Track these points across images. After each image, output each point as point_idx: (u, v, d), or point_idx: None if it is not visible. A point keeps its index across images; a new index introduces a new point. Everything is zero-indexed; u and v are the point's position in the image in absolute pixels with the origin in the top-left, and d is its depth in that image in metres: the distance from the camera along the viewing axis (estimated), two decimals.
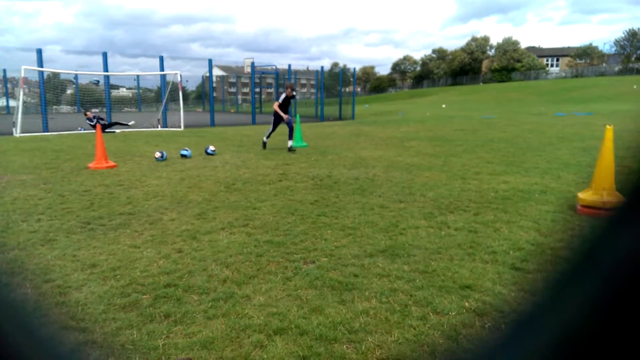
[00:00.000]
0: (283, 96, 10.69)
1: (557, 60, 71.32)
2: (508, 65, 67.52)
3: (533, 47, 74.94)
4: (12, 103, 33.02)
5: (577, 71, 63.10)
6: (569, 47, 70.66)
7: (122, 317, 2.71)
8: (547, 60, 71.63)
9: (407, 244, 3.94)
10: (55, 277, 3.25)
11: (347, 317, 2.68)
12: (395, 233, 4.25)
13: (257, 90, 34.27)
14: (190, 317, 2.71)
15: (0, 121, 21.61)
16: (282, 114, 10.48)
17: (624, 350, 0.24)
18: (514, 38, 69.79)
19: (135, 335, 2.50)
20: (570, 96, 40.68)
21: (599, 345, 0.24)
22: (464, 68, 74.20)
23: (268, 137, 11.07)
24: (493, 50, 72.72)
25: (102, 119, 16.57)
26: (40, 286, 3.11)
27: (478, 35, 76.24)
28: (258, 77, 32.03)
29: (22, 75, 16.34)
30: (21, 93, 16.16)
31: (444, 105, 39.83)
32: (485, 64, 73.74)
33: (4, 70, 37.55)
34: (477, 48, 74.21)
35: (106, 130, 16.08)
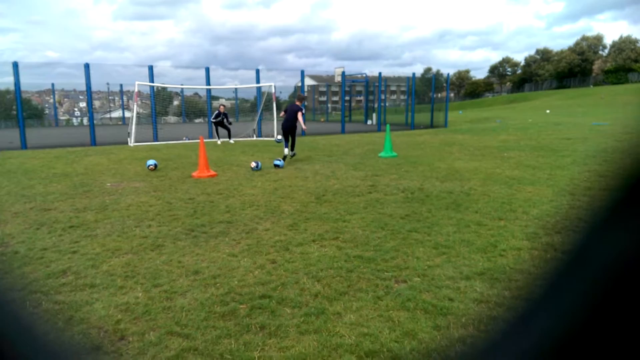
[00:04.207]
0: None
1: None
2: (624, 66, 61.05)
3: None
4: (127, 114, 36.86)
5: None
6: None
7: (221, 325, 2.85)
8: None
9: (508, 267, 3.69)
10: (163, 282, 3.52)
11: (442, 345, 2.56)
12: (495, 254, 4.00)
13: (347, 98, 34.59)
14: (284, 331, 2.77)
15: (118, 131, 24.21)
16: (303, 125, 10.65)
17: (617, 348, 0.24)
18: (633, 36, 62.73)
19: (232, 345, 2.61)
20: None
21: (593, 343, 0.24)
22: (572, 70, 68.41)
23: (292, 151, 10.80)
24: (607, 50, 66.23)
25: (229, 122, 17.12)
26: (149, 290, 3.38)
27: (589, 34, 70.04)
28: (348, 85, 32.33)
29: (136, 89, 18.13)
30: (135, 106, 17.92)
31: (548, 111, 36.99)
32: (596, 65, 67.39)
33: (121, 85, 42.28)
34: (588, 48, 68.09)
35: (226, 126, 16.88)
